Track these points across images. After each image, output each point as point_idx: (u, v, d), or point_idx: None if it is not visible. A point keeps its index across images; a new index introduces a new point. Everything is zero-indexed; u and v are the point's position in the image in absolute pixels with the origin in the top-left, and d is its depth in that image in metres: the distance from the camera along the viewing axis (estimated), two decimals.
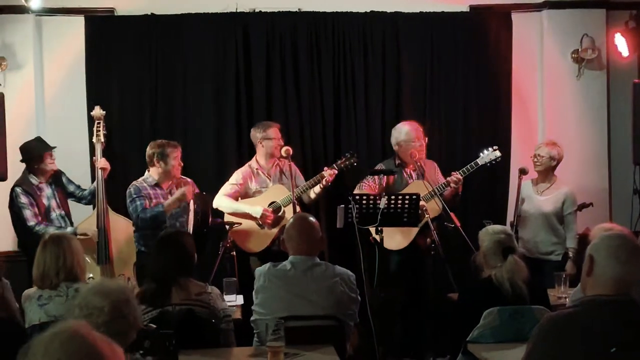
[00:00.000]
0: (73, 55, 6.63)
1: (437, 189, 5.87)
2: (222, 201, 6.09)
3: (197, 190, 6.02)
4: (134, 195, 5.83)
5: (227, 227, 5.73)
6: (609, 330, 2.53)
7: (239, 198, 6.12)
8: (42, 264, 4.12)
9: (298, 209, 5.95)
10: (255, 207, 5.99)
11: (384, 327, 5.71)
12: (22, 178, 5.78)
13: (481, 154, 6.09)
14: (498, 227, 4.47)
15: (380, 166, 6.15)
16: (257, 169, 6.18)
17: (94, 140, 5.95)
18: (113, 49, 6.61)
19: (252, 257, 6.01)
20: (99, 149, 5.92)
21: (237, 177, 6.16)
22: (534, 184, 6.18)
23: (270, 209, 5.98)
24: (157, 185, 5.91)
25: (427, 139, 6.17)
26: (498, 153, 6.07)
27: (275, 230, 5.96)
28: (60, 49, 6.66)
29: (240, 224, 5.91)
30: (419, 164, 6.01)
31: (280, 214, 5.97)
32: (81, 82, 6.57)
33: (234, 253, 5.81)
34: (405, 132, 6.12)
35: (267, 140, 6.12)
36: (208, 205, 5.93)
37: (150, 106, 6.64)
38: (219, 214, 6.06)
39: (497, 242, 4.21)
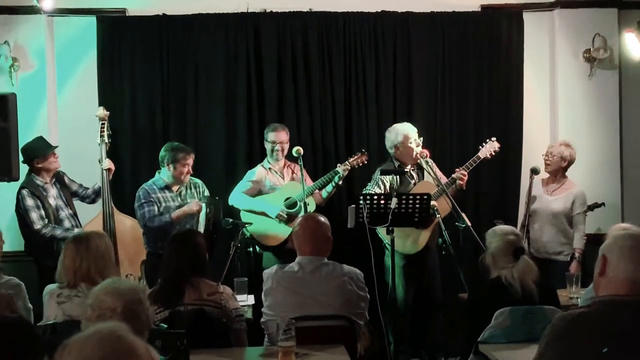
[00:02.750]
0: (85, 55, 6.65)
1: (445, 186, 5.85)
2: (238, 198, 6.11)
3: (206, 192, 6.04)
4: (143, 200, 5.86)
5: (240, 226, 5.74)
6: (622, 330, 2.52)
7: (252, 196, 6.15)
8: (61, 262, 4.12)
9: (314, 205, 6.04)
10: (272, 205, 6.02)
11: (394, 327, 5.72)
12: (27, 180, 5.77)
13: (480, 147, 6.09)
14: (506, 227, 4.48)
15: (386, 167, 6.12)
16: (269, 168, 6.21)
17: (98, 141, 5.95)
18: (125, 49, 6.63)
19: (266, 254, 6.05)
20: (103, 150, 5.93)
21: (251, 174, 6.19)
22: (543, 185, 6.17)
23: (285, 211, 6.00)
24: (166, 187, 5.93)
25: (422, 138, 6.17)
26: (497, 144, 6.08)
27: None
28: (72, 49, 6.68)
29: (251, 223, 5.93)
30: (426, 160, 5.99)
31: (296, 209, 5.98)
32: (93, 83, 6.59)
33: (251, 249, 5.91)
34: (403, 134, 6.06)
35: (266, 142, 6.21)
36: (219, 209, 5.92)
37: (162, 106, 6.65)
38: (232, 215, 6.07)
39: (508, 243, 4.22)
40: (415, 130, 6.08)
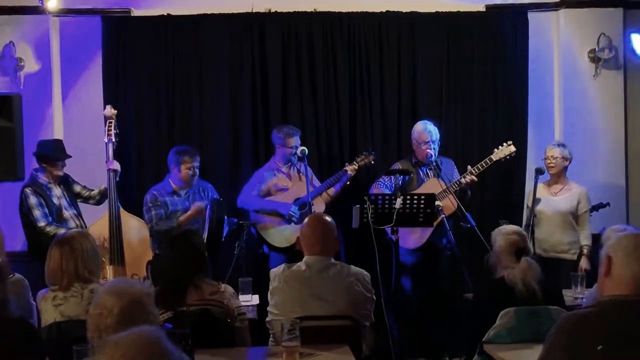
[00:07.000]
0: (90, 56, 6.65)
1: (451, 187, 5.87)
2: (248, 199, 6.12)
3: (216, 196, 6.04)
4: (150, 204, 5.91)
5: (245, 227, 5.75)
6: (627, 330, 2.52)
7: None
8: (48, 267, 4.12)
9: (324, 205, 6.05)
10: (284, 204, 6.05)
11: (399, 327, 5.71)
12: (31, 179, 5.76)
13: (496, 149, 6.09)
14: (511, 227, 4.47)
15: (397, 166, 6.14)
16: (277, 169, 6.22)
17: (105, 140, 5.93)
18: (130, 49, 6.64)
19: (273, 254, 6.06)
20: (110, 150, 5.91)
21: (259, 176, 6.21)
22: (546, 187, 6.17)
23: (297, 210, 6.03)
24: (174, 192, 5.96)
25: (439, 136, 6.18)
26: (513, 148, 6.06)
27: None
28: (77, 49, 6.68)
29: (256, 223, 5.93)
30: (434, 163, 6.01)
31: (306, 210, 5.99)
32: (98, 83, 6.60)
33: (261, 250, 5.97)
34: (417, 132, 6.14)
35: (284, 147, 6.16)
36: (222, 210, 5.92)
37: (167, 106, 6.66)
38: (237, 216, 6.07)
39: (511, 243, 4.23)
40: (432, 131, 6.11)
